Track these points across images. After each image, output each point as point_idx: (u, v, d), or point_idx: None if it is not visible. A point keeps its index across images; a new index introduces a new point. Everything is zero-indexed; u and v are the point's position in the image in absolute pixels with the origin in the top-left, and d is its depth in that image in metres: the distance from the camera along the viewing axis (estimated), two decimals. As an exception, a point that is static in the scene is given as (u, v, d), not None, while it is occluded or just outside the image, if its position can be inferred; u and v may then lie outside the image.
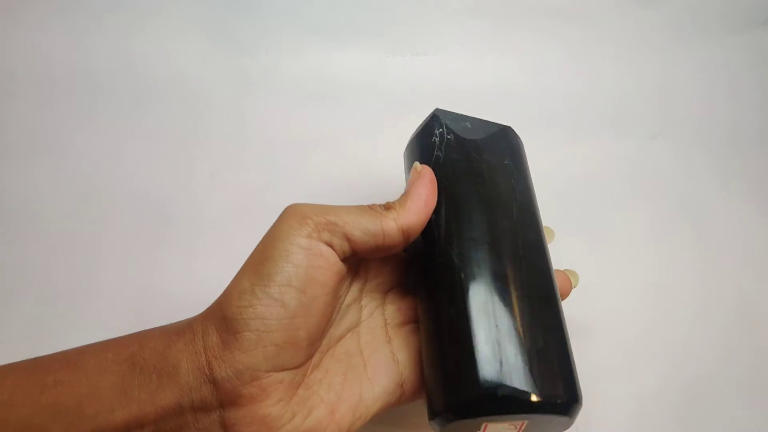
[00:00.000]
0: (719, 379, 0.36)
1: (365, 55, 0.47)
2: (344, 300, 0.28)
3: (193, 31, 0.46)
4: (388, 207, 0.26)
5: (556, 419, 0.23)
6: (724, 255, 0.41)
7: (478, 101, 0.46)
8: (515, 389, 0.22)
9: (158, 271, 0.40)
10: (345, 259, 0.25)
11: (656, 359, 0.37)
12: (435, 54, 0.48)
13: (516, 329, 0.23)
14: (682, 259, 0.41)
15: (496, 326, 0.23)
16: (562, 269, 0.30)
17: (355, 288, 0.28)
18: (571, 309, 0.38)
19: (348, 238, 0.24)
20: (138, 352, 0.23)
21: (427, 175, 0.27)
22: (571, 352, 0.25)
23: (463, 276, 0.25)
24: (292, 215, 0.24)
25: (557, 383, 0.23)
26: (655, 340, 0.38)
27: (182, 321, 0.25)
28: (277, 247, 0.23)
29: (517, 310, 0.24)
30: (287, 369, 0.23)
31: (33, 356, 0.24)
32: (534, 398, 0.22)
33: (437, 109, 0.31)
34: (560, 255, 0.39)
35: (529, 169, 0.31)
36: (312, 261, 0.24)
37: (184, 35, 0.46)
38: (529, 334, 0.24)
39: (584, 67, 0.47)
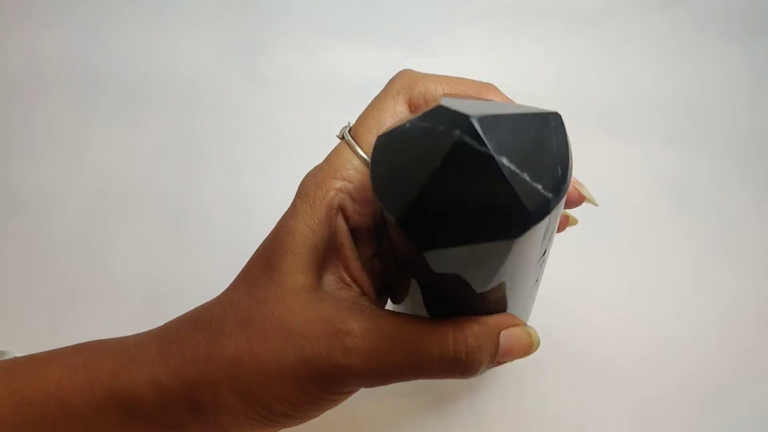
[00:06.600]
0: (739, 389, 0.36)
1: (382, 56, 0.47)
2: None
3: (209, 32, 0.47)
4: None
5: None
6: (745, 261, 0.40)
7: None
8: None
9: (172, 266, 0.40)
10: None
11: (674, 367, 0.37)
12: (452, 55, 0.48)
13: None
14: (701, 264, 0.40)
15: None
16: None
17: None
18: (587, 315, 0.38)
19: None
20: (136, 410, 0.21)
21: None
22: None
23: None
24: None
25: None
26: (674, 348, 0.37)
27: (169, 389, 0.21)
28: None
29: None
30: None
31: (51, 346, 0.24)
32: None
33: None
34: (576, 260, 0.39)
35: None
36: None
37: (201, 36, 0.47)
38: None
39: (602, 68, 0.46)
